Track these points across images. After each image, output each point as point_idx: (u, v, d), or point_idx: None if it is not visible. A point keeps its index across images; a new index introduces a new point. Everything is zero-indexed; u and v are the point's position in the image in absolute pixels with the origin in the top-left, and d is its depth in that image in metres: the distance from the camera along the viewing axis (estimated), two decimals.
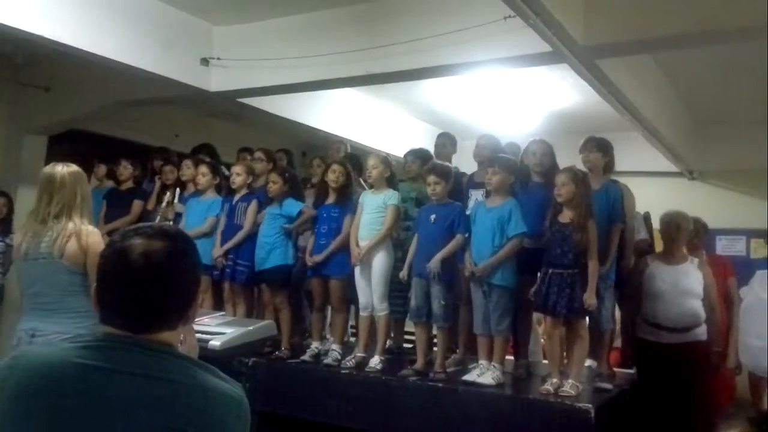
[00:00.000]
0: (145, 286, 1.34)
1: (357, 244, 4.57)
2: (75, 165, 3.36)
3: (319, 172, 5.37)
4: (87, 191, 3.33)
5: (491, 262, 4.07)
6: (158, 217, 5.67)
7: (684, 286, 4.45)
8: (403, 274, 4.40)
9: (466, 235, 4.28)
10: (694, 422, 4.26)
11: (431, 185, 4.31)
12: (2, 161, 7.02)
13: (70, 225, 3.15)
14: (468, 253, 4.22)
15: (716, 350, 4.62)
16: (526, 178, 4.50)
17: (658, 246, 5.09)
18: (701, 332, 4.45)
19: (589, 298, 3.86)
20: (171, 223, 5.38)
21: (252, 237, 5.14)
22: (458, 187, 4.69)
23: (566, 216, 3.97)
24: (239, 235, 5.16)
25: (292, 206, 5.01)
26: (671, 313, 4.41)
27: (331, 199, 4.88)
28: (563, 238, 3.91)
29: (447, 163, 4.60)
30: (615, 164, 4.62)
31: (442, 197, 4.33)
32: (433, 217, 4.31)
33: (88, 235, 3.16)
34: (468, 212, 4.43)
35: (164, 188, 5.99)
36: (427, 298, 4.27)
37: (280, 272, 4.96)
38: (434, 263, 4.13)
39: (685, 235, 4.66)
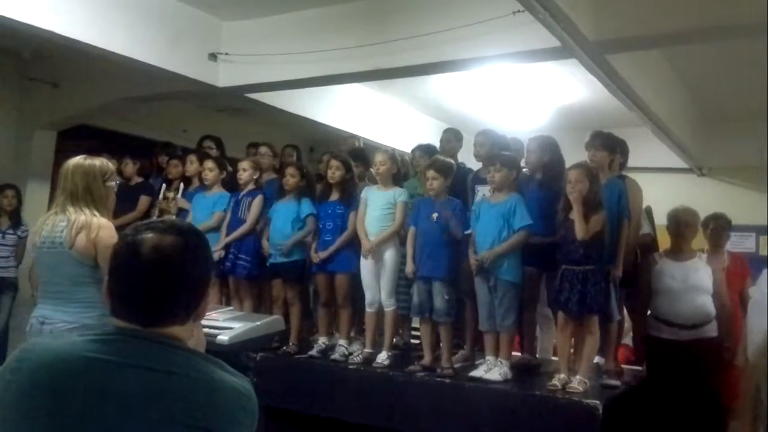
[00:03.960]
0: (155, 280, 1.34)
1: (366, 238, 4.58)
2: (90, 158, 3.32)
3: None
4: (92, 183, 3.24)
5: (497, 251, 4.06)
6: (156, 211, 5.67)
7: (693, 281, 4.42)
8: (409, 270, 4.39)
9: (465, 233, 4.29)
10: (704, 419, 4.24)
11: (429, 180, 4.31)
12: (12, 156, 7.06)
13: (82, 217, 3.15)
14: (472, 248, 4.23)
15: (727, 345, 4.55)
16: (529, 175, 4.50)
17: (661, 240, 5.06)
18: (712, 328, 4.43)
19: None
20: (174, 217, 5.39)
21: (256, 232, 5.17)
22: (461, 182, 4.67)
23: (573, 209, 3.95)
24: (241, 229, 5.17)
25: (307, 207, 5.00)
26: (681, 309, 4.39)
27: (334, 195, 4.88)
28: (575, 235, 3.89)
29: (449, 160, 4.56)
30: (627, 160, 4.60)
31: (438, 193, 4.32)
32: (435, 215, 4.31)
33: (99, 227, 3.14)
34: (473, 208, 4.43)
35: (167, 183, 6.00)
36: (430, 294, 4.27)
37: (296, 267, 4.97)
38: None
39: (692, 230, 4.64)
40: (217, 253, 5.08)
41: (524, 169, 4.64)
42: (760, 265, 4.95)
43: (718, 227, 5.12)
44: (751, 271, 5.33)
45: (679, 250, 4.58)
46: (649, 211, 5.14)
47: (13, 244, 6.40)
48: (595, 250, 3.89)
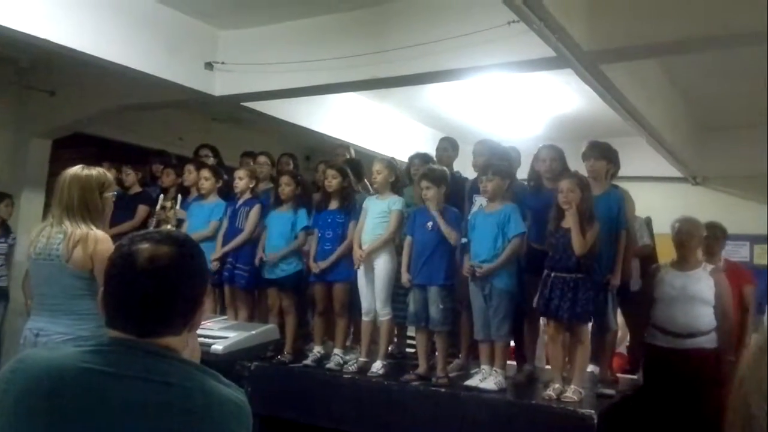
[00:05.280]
0: (150, 290, 1.34)
1: (360, 247, 4.58)
2: (87, 169, 3.26)
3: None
4: (89, 195, 3.19)
5: (495, 266, 4.07)
6: (154, 221, 5.66)
7: (692, 291, 4.42)
8: (404, 279, 4.39)
9: (462, 242, 4.30)
10: (701, 429, 4.22)
11: (423, 190, 4.33)
12: (7, 165, 7.05)
13: (78, 231, 3.13)
14: (467, 257, 4.23)
15: (729, 359, 4.43)
16: (537, 183, 4.51)
17: (660, 251, 5.07)
18: (710, 339, 4.40)
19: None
20: (169, 227, 5.37)
21: (253, 241, 5.16)
22: (458, 191, 4.68)
23: (570, 221, 3.96)
24: (238, 239, 5.17)
25: (302, 220, 5.00)
26: (677, 317, 4.39)
27: (334, 204, 4.89)
28: (567, 243, 3.91)
29: (443, 168, 4.57)
30: (619, 169, 4.62)
31: (434, 202, 4.32)
32: (430, 224, 4.31)
33: (96, 241, 3.11)
34: (469, 217, 4.44)
35: (164, 192, 5.99)
36: (425, 303, 4.27)
37: (294, 277, 4.97)
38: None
39: (696, 241, 4.64)
40: (215, 264, 5.08)
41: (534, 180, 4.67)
42: (755, 273, 4.96)
43: (711, 236, 5.13)
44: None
45: (683, 260, 4.59)
46: (648, 222, 5.16)
47: (4, 253, 6.40)
48: (589, 260, 3.90)
